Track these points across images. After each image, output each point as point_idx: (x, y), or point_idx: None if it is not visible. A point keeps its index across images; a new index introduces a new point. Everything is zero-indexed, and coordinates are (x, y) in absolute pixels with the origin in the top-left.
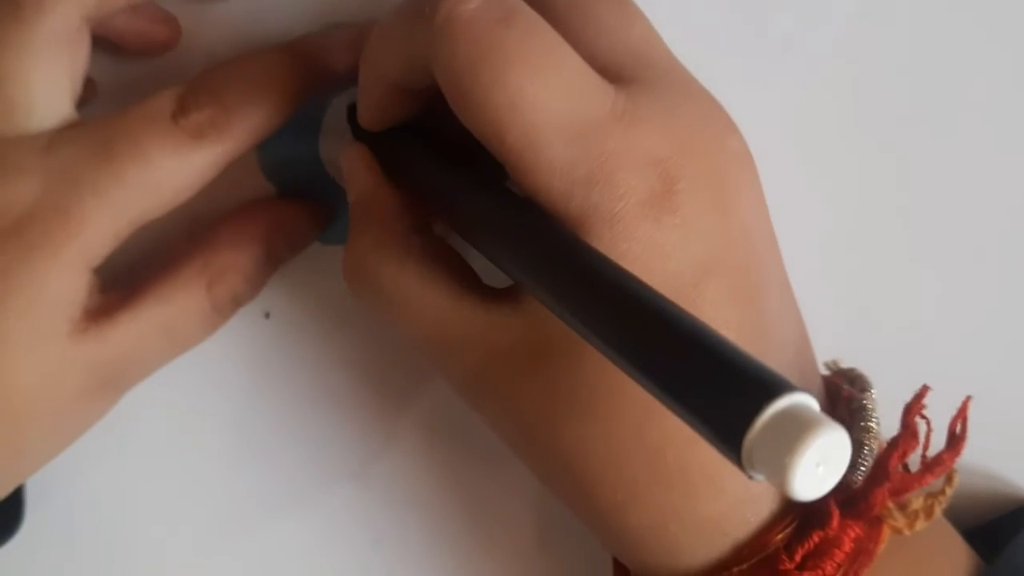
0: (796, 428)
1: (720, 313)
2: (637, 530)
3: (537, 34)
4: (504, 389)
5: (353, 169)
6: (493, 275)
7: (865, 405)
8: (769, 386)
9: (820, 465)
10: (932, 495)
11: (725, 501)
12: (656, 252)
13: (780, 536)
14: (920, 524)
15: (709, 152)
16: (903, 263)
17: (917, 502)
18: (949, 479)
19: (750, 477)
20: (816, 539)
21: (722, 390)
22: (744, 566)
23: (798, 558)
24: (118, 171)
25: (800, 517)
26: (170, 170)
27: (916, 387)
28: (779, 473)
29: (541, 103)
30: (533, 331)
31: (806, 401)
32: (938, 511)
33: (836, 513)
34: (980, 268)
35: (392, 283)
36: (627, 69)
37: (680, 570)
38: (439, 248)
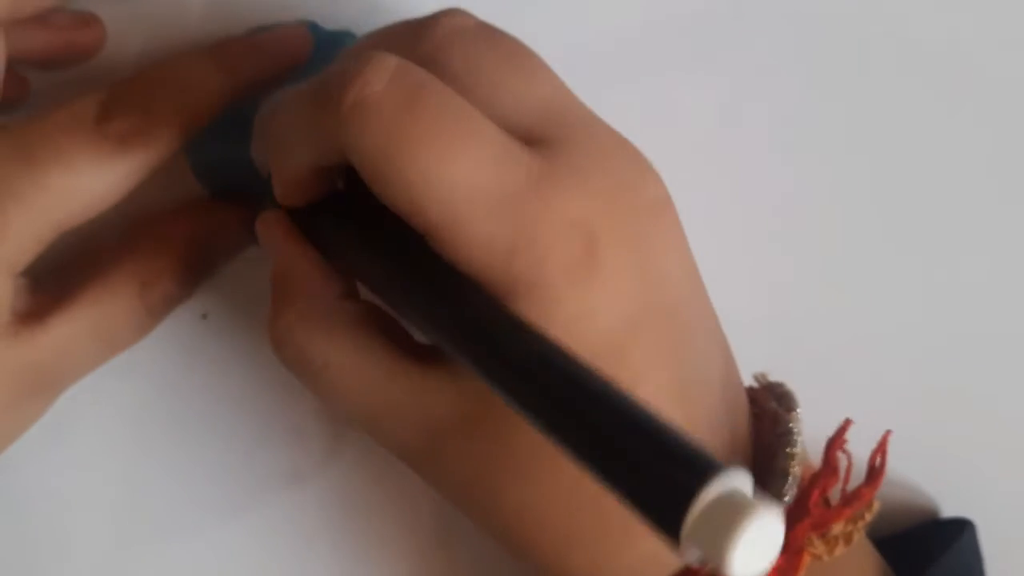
0: (730, 516)
1: (648, 367)
2: (576, 573)
3: (447, 109)
4: (441, 456)
5: (270, 238)
6: None
7: (791, 429)
8: (699, 470)
9: (756, 543)
10: (852, 520)
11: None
12: (583, 313)
13: (706, 570)
14: (839, 550)
15: (628, 204)
16: (823, 290)
17: (837, 528)
18: (869, 507)
19: (691, 558)
20: None
21: (650, 481)
22: None
23: None
24: (40, 177)
25: None
26: (93, 176)
27: (832, 401)
28: (719, 558)
29: (456, 180)
30: (468, 398)
31: (736, 484)
32: (857, 538)
33: None
34: (898, 293)
35: (322, 356)
36: (538, 129)
37: None
38: (370, 313)
